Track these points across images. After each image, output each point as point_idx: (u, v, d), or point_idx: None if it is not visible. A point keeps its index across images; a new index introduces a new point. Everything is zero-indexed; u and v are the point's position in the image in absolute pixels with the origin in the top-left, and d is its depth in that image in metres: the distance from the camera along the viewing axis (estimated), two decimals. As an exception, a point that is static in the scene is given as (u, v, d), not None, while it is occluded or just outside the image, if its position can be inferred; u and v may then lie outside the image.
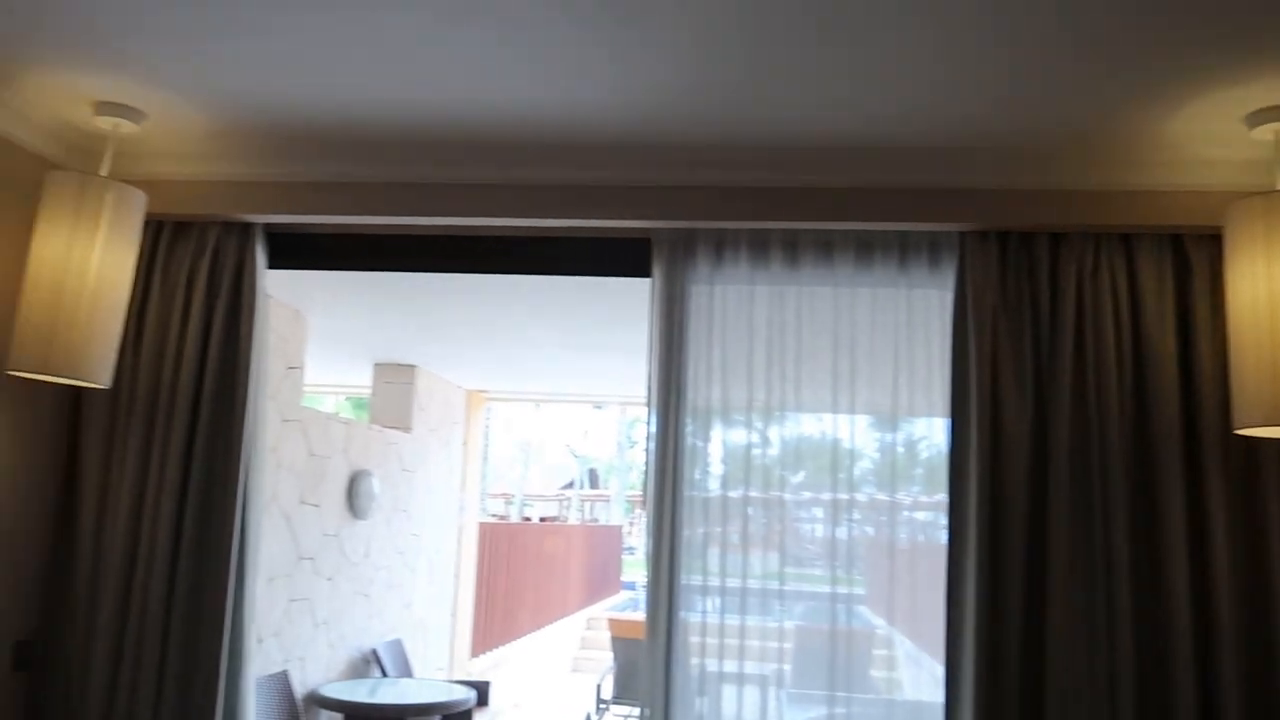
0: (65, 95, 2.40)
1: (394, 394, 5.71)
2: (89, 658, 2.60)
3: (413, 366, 5.77)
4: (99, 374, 2.39)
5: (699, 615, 2.63)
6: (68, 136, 2.64)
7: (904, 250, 2.67)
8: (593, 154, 2.63)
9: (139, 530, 2.66)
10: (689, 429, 2.68)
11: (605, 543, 15.12)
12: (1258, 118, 2.20)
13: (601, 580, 14.04)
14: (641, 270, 2.75)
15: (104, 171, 2.50)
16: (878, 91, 2.19)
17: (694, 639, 2.62)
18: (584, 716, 7.13)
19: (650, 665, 2.60)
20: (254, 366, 2.78)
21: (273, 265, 2.90)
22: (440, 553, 6.33)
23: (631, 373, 5.65)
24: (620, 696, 7.27)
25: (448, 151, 2.67)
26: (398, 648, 5.38)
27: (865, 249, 2.67)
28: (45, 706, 2.63)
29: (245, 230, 2.80)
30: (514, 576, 8.63)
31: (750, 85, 2.20)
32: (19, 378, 2.49)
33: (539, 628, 9.53)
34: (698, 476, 2.68)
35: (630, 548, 24.47)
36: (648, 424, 2.72)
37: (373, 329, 4.96)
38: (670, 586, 2.62)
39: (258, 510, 2.80)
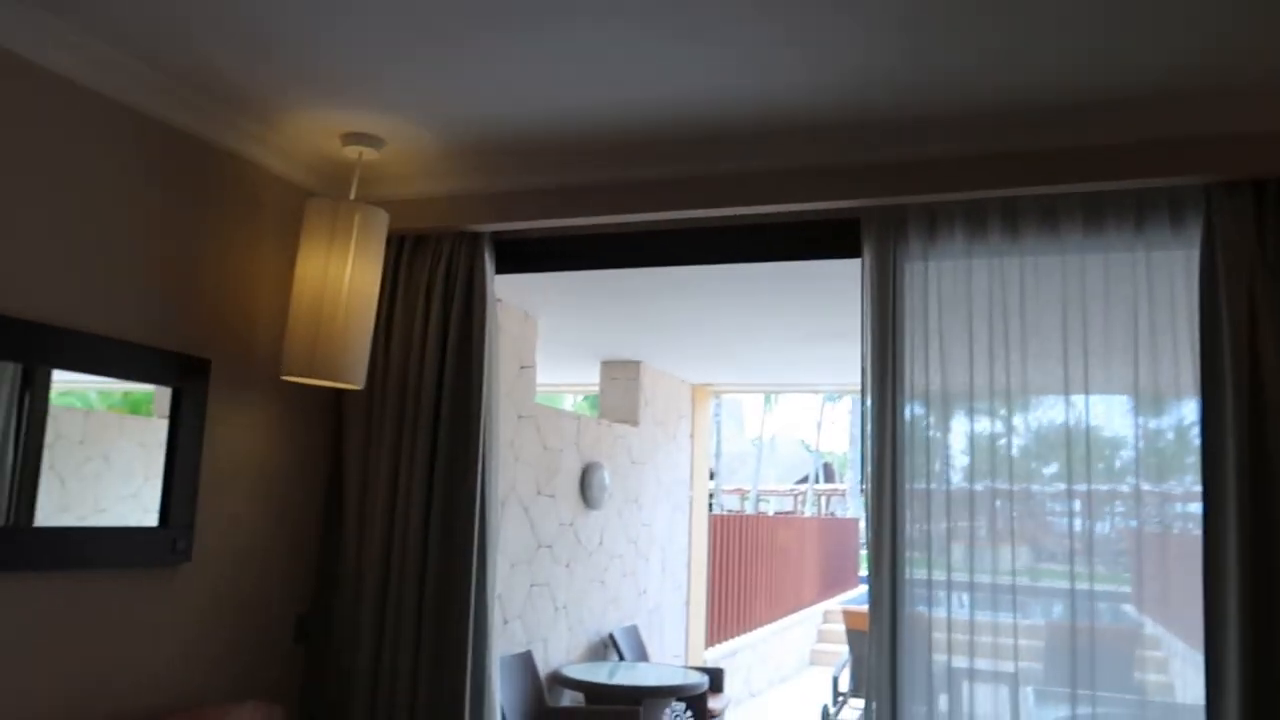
0: (318, 130, 2.70)
1: (620, 389, 5.93)
2: (357, 633, 2.90)
3: (637, 363, 5.96)
4: (355, 376, 2.66)
5: (942, 611, 2.54)
6: (321, 167, 2.96)
7: (1140, 210, 2.46)
8: (794, 138, 2.63)
9: (394, 515, 2.94)
10: (920, 417, 2.60)
11: (841, 536, 14.86)
12: None
13: (838, 574, 13.82)
14: (852, 251, 2.71)
15: (352, 195, 2.78)
16: (1100, 34, 2.04)
17: (938, 635, 2.53)
18: (821, 708, 7.06)
19: (876, 659, 2.55)
20: (487, 365, 2.99)
21: (500, 270, 3.11)
22: (672, 543, 6.49)
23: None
24: (858, 689, 7.15)
25: (654, 149, 2.75)
26: (634, 634, 5.58)
27: (1095, 213, 2.49)
28: (322, 676, 2.96)
29: (474, 239, 3.02)
30: (747, 568, 8.69)
31: (956, 51, 2.12)
32: (291, 382, 2.81)
33: (773, 620, 9.53)
34: (937, 468, 2.58)
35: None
36: (862, 411, 2.67)
37: (597, 328, 5.18)
38: (893, 579, 2.55)
39: (495, 499, 3.02)
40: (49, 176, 2.19)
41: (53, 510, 2.19)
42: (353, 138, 2.72)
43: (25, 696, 2.11)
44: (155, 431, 2.47)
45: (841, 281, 3.77)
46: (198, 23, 2.12)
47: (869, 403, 2.63)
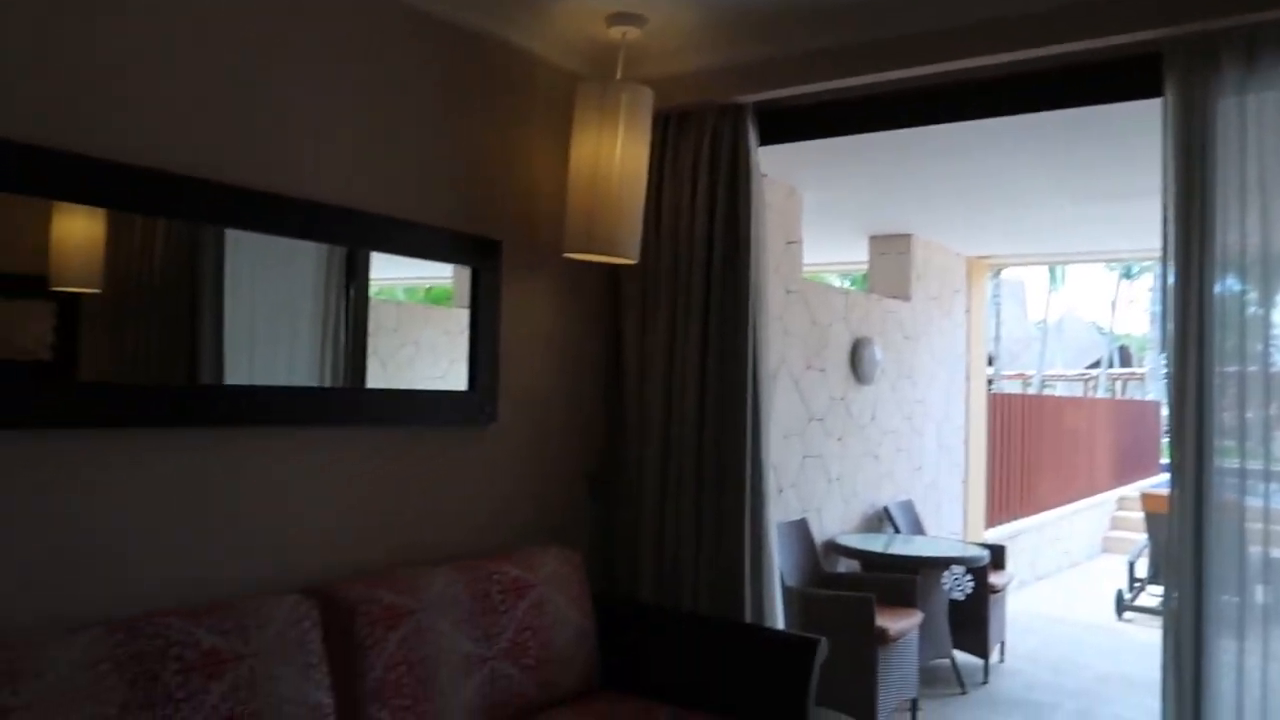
0: (584, 14, 2.79)
1: (890, 264, 5.77)
2: (641, 491, 3.13)
3: (908, 236, 5.75)
4: (629, 251, 2.80)
5: (1258, 500, 2.33)
6: (588, 50, 3.07)
7: None
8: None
9: (671, 385, 3.11)
10: (1234, 286, 2.34)
11: (1139, 419, 13.72)
12: None
13: (1135, 459, 12.82)
14: (1151, 90, 2.44)
15: (618, 75, 2.87)
16: None
17: (1253, 525, 2.33)
18: (1116, 594, 6.72)
19: (1178, 548, 2.39)
20: (754, 239, 3.03)
21: (764, 142, 3.11)
22: (949, 420, 6.33)
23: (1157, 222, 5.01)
24: (1156, 576, 6.73)
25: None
26: (909, 508, 5.56)
27: None
28: (615, 527, 3.24)
29: (737, 112, 3.03)
30: (1031, 449, 8.30)
31: None
32: (571, 260, 3.01)
33: (1061, 504, 9.09)
34: (1257, 347, 2.32)
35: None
36: (1163, 279, 2.43)
37: (865, 200, 5.04)
38: (1199, 468, 2.35)
39: (766, 371, 3.10)
40: (359, 81, 2.45)
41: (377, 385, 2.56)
42: (617, 18, 2.79)
43: (365, 533, 2.49)
44: (456, 320, 2.77)
45: (1142, 125, 3.41)
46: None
47: (1171, 271, 2.39)
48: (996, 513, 7.21)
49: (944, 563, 4.42)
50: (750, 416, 3.02)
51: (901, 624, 3.92)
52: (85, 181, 1.88)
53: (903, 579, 4.16)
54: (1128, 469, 12.29)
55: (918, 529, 5.51)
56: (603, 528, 3.25)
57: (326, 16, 2.37)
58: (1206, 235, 2.33)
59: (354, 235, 2.43)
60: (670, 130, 3.12)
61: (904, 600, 4.08)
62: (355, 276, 2.52)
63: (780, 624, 3.12)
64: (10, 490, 1.81)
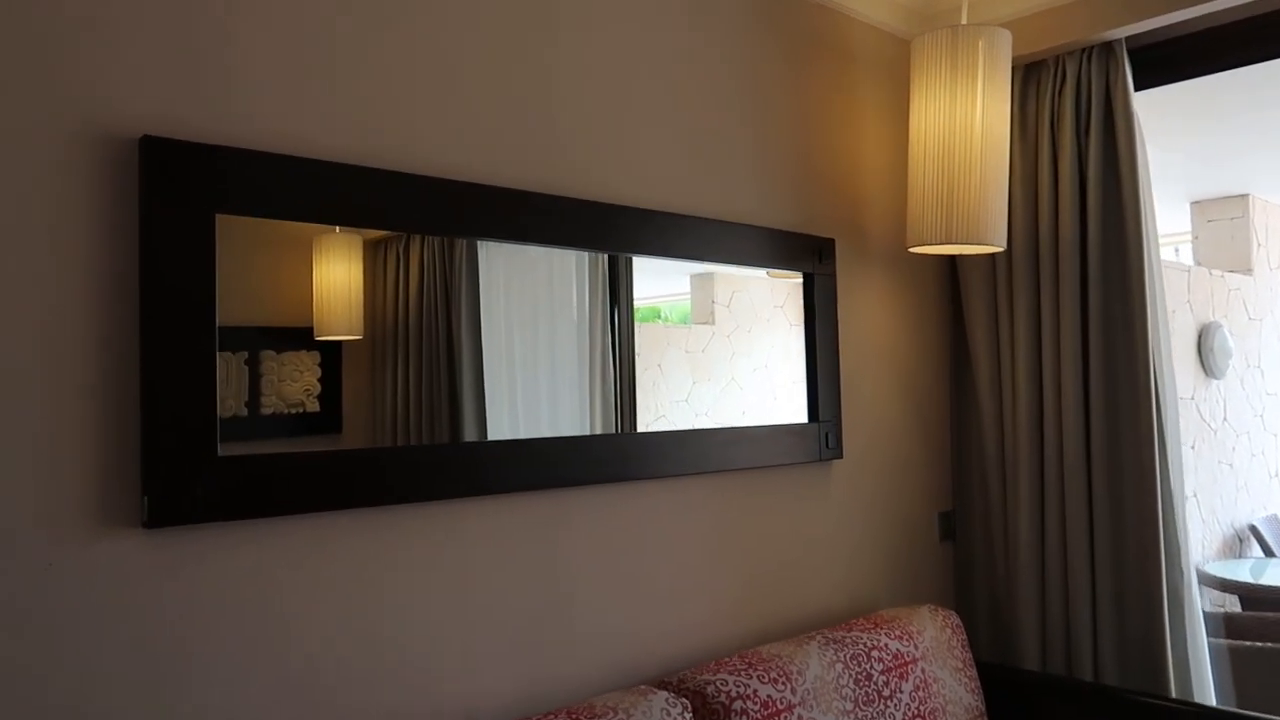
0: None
1: (1222, 232, 4.84)
2: (1014, 533, 2.55)
3: (1244, 196, 4.81)
4: (996, 236, 2.24)
5: None
6: (909, 3, 2.55)
7: None
8: None
9: (1043, 401, 2.51)
10: None
11: None
12: None
13: None
14: None
15: (963, 20, 2.33)
16: None
17: None
18: None
19: None
20: (1144, 206, 2.40)
21: (1139, 86, 2.47)
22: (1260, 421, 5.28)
23: None
24: None
25: None
26: (1275, 524, 4.61)
27: None
28: (973, 571, 2.67)
29: (1106, 51, 2.42)
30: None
31: None
32: (907, 255, 2.48)
33: None
34: None
35: None
36: None
37: (1194, 159, 4.21)
38: None
39: (1169, 370, 2.45)
40: (676, 55, 2.04)
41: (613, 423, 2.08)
42: (957, -47, 2.26)
43: (710, 601, 2.06)
44: (697, 339, 2.27)
45: None
46: None
47: None
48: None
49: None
50: (1156, 428, 2.38)
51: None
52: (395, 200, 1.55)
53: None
54: None
55: (1287, 549, 4.55)
56: (961, 579, 2.69)
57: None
58: None
59: (689, 246, 2.02)
60: (1014, 86, 2.55)
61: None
62: (619, 300, 2.09)
63: (1211, 694, 2.44)
64: (287, 587, 1.49)
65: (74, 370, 1.26)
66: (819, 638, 2.05)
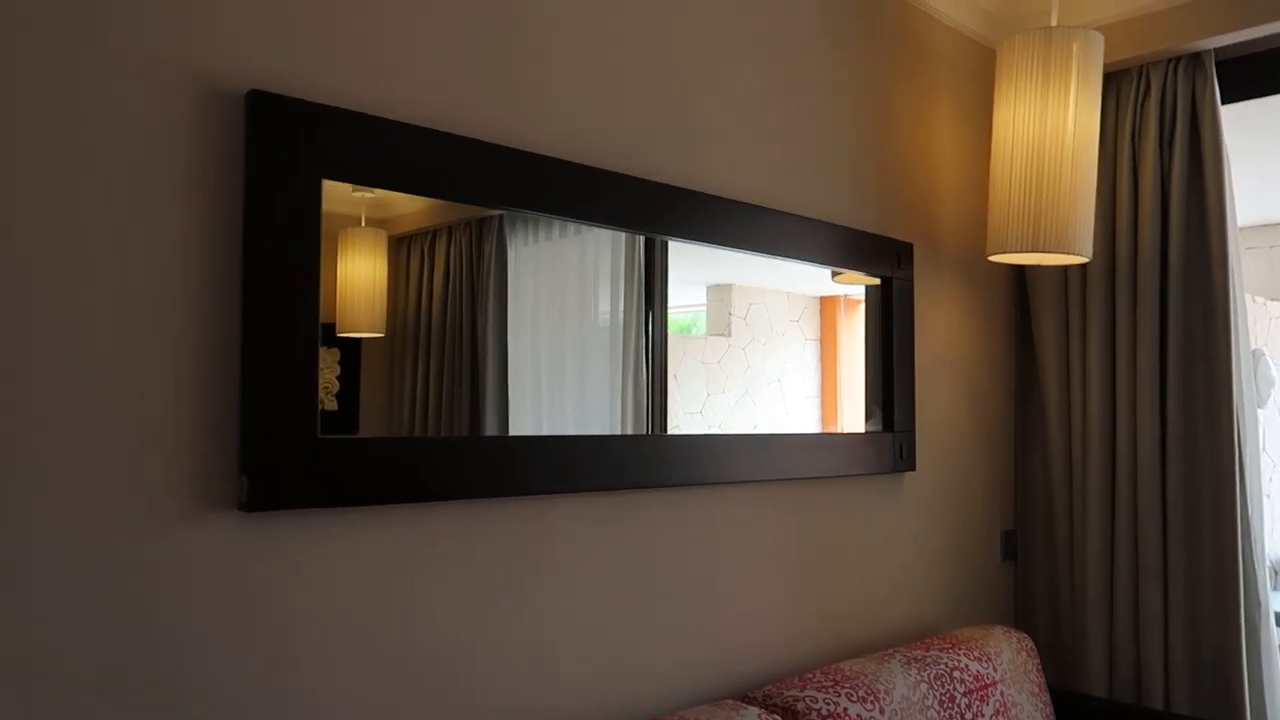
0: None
1: (1261, 259, 4.79)
2: (1082, 554, 2.47)
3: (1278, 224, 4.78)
4: (1085, 246, 2.17)
5: None
6: (988, 6, 2.49)
7: None
8: None
9: (1117, 419, 2.44)
10: None
11: None
12: None
13: None
14: None
15: (1052, 22, 2.27)
16: None
17: None
18: None
19: None
20: (1228, 222, 2.34)
21: (1226, 99, 2.42)
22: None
23: None
24: None
25: None
26: (1309, 557, 4.54)
27: None
28: (1035, 592, 2.59)
29: (1194, 62, 2.36)
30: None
31: None
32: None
33: None
34: None
35: None
36: None
37: (1246, 175, 4.16)
38: None
39: (1251, 393, 2.38)
40: (765, 46, 1.96)
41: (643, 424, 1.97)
42: (1049, -46, 2.20)
43: (790, 613, 1.97)
44: (712, 349, 2.15)
45: None
46: None
47: None
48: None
49: None
50: (1237, 454, 2.30)
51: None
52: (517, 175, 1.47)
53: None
54: None
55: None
56: (1023, 600, 2.61)
57: (727, -27, 1.90)
58: None
59: (765, 239, 1.94)
60: (1104, 91, 2.49)
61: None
62: (654, 305, 1.98)
63: (1282, 726, 2.36)
64: (325, 588, 1.40)
65: (173, 347, 1.16)
66: (899, 656, 1.96)
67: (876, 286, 2.23)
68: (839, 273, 2.17)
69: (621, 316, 1.78)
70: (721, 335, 2.25)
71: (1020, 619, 2.61)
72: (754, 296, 2.16)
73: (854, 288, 2.22)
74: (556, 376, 1.67)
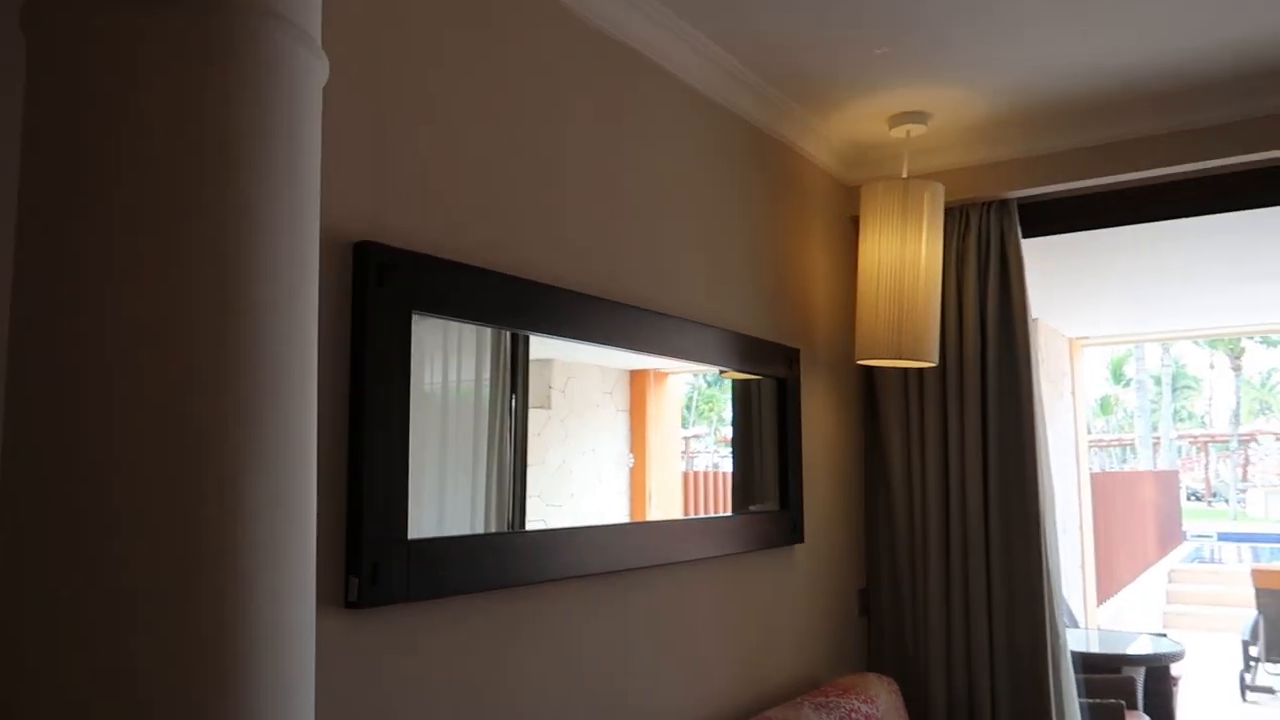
0: (865, 115, 2.73)
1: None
2: (923, 609, 2.95)
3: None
4: (932, 354, 2.68)
5: None
6: (847, 153, 3.00)
7: None
8: None
9: (949, 494, 2.95)
10: None
11: (1166, 489, 13.79)
12: None
13: (1168, 531, 12.83)
14: None
15: (904, 174, 2.80)
16: None
17: None
18: (1239, 675, 6.57)
19: None
20: (1031, 332, 2.94)
21: (1026, 235, 3.04)
22: (1065, 503, 6.22)
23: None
24: (1273, 655, 6.61)
25: (1194, 94, 2.59)
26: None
27: None
28: (884, 641, 3.04)
29: (1003, 206, 2.97)
30: (1114, 526, 8.23)
31: None
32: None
33: (1131, 580, 8.99)
34: None
35: (1194, 493, 21.98)
36: None
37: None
38: None
39: (1050, 476, 2.97)
40: (667, 175, 2.33)
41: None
42: (901, 117, 2.73)
43: (726, 668, 2.28)
44: (534, 422, 2.01)
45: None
46: (799, 22, 2.18)
47: None
48: (1102, 593, 7.07)
49: (1150, 660, 4.24)
50: (1041, 516, 2.87)
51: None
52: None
53: (1122, 679, 3.97)
54: (1164, 540, 12.27)
55: (1072, 619, 5.32)
56: (878, 648, 3.05)
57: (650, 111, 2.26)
58: None
59: (708, 351, 2.28)
60: (932, 227, 3.04)
61: (1130, 704, 3.89)
62: (517, 389, 2.17)
63: (1079, 742, 2.92)
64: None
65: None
66: (807, 704, 2.31)
67: (744, 381, 2.59)
68: (725, 371, 2.52)
69: (486, 404, 1.81)
70: (542, 408, 2.23)
71: (870, 664, 3.05)
72: (573, 371, 2.21)
73: (667, 362, 2.34)
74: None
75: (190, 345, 0.77)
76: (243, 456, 0.78)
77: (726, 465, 2.51)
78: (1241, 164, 2.68)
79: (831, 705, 2.32)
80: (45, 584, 0.75)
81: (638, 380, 2.34)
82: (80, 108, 0.77)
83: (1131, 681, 3.96)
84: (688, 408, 2.50)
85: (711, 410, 2.59)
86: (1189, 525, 16.09)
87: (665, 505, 2.27)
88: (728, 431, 2.55)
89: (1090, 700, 3.57)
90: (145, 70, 0.77)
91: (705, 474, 2.51)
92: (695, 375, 2.47)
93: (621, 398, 2.31)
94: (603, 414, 2.26)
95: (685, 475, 2.46)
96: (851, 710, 2.35)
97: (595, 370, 2.24)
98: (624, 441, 2.29)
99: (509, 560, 1.64)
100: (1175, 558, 12.55)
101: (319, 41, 0.90)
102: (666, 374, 2.41)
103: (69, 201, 0.77)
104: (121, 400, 0.76)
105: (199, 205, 0.78)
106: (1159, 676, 4.42)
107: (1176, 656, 4.27)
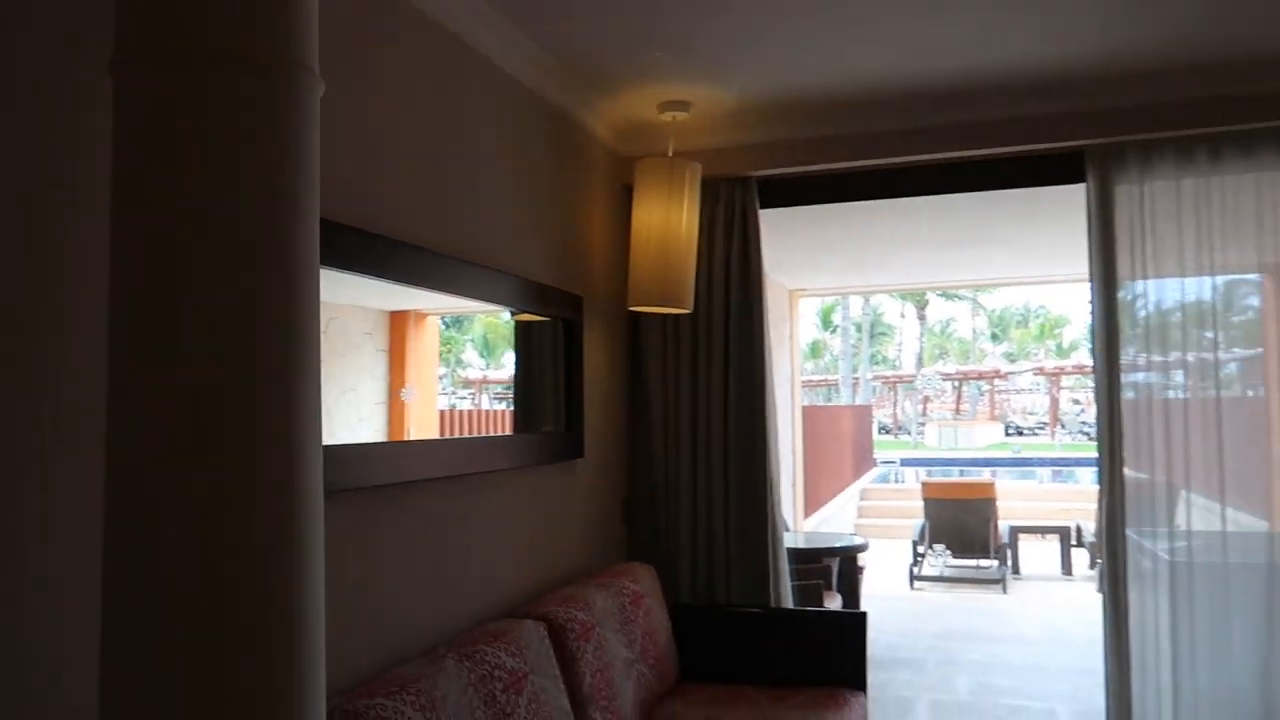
0: (638, 100, 3.25)
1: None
2: (675, 510, 3.61)
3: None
4: (689, 303, 3.29)
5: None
6: (626, 131, 3.52)
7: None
8: (1031, 87, 3.22)
9: (696, 416, 3.61)
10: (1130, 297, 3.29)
11: (861, 423, 15.83)
12: None
13: (862, 457, 14.81)
14: (1075, 179, 3.35)
15: (669, 153, 3.36)
16: None
17: None
18: (909, 569, 7.98)
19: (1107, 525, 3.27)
20: (762, 283, 3.64)
21: (763, 206, 3.72)
22: (782, 432, 7.25)
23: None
24: (933, 543, 8.10)
25: (910, 103, 3.34)
26: (776, 510, 6.37)
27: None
28: (643, 539, 3.67)
29: (745, 183, 3.62)
30: (820, 452, 9.56)
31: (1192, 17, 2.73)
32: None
33: (831, 497, 10.47)
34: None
35: (884, 426, 25.01)
36: (1090, 300, 3.33)
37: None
38: (1111, 450, 3.26)
39: (773, 398, 3.70)
40: (482, 149, 2.75)
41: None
42: (668, 105, 3.28)
43: (526, 560, 2.79)
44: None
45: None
46: (606, 22, 2.67)
47: (1094, 294, 3.29)
48: (809, 508, 8.29)
49: (836, 552, 5.21)
50: (771, 443, 3.60)
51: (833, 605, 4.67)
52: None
53: (821, 567, 4.91)
54: (859, 466, 14.17)
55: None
56: (634, 543, 3.68)
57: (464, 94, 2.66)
58: (1113, 269, 3.27)
59: (508, 295, 2.73)
60: (689, 197, 3.64)
61: (828, 585, 4.83)
62: None
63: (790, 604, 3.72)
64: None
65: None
66: (591, 584, 2.87)
67: (526, 323, 3.07)
68: (518, 311, 2.98)
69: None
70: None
71: (633, 555, 3.68)
72: (334, 312, 2.23)
73: (426, 302, 2.48)
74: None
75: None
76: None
77: (485, 404, 2.96)
78: (934, 160, 3.46)
79: (608, 584, 2.90)
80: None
81: (397, 321, 2.43)
82: (175, 150, 1.10)
83: (828, 569, 4.91)
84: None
85: (450, 353, 2.83)
86: (879, 453, 18.53)
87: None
88: (467, 373, 2.93)
89: (798, 582, 4.44)
90: (228, 123, 1.12)
91: (461, 412, 2.83)
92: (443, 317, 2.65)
93: (381, 338, 2.40)
94: (363, 354, 2.34)
95: (442, 414, 2.66)
96: (623, 588, 2.94)
97: (357, 311, 2.32)
98: (383, 381, 2.38)
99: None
100: (867, 479, 14.51)
101: (318, 70, 1.26)
102: (426, 314, 2.50)
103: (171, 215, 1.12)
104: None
105: (278, 212, 1.15)
106: (849, 567, 5.44)
107: (862, 548, 5.31)
